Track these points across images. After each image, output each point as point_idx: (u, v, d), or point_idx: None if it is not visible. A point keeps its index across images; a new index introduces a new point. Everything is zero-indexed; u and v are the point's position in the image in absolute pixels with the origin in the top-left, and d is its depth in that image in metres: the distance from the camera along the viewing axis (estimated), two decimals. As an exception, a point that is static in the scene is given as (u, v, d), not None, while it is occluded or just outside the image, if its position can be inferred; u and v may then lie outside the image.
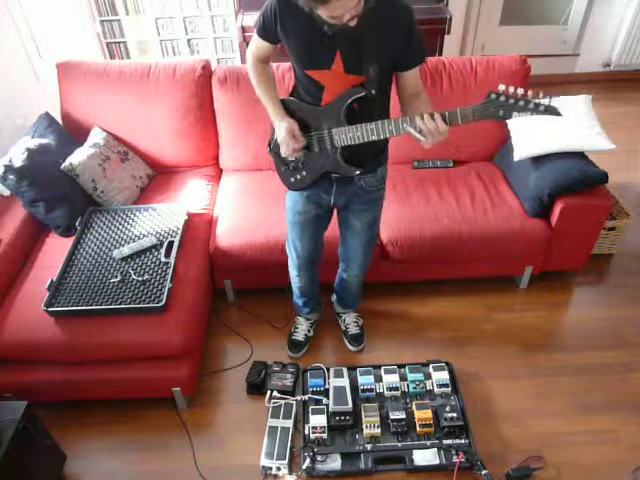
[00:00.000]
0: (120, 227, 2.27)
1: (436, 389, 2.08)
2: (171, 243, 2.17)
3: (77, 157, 2.32)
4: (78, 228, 2.24)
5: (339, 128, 1.60)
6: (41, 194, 2.19)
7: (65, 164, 2.29)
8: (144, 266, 2.09)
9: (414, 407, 2.00)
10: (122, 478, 1.93)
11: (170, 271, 2.05)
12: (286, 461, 1.88)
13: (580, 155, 2.36)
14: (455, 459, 1.87)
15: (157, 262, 2.10)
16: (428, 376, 2.13)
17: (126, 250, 2.13)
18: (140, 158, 2.62)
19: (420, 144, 1.50)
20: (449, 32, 3.48)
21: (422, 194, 2.48)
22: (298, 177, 1.78)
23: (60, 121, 2.58)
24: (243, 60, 3.71)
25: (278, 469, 1.88)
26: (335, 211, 1.96)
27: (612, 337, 2.36)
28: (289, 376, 2.15)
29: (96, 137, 2.48)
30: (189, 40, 3.85)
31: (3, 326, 1.91)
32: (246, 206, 2.46)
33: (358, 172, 1.68)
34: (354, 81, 1.54)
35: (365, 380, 2.10)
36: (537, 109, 1.32)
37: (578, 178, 2.26)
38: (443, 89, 2.57)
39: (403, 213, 2.38)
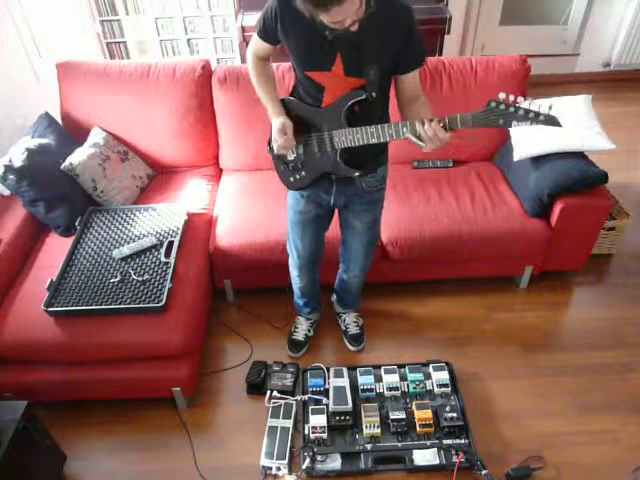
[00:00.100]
0: (120, 227, 2.27)
1: (436, 389, 2.08)
2: (171, 243, 2.17)
3: (77, 157, 2.32)
4: (78, 228, 2.24)
5: (339, 130, 1.60)
6: (41, 194, 2.19)
7: (65, 164, 2.29)
8: (144, 266, 2.08)
9: (414, 407, 2.00)
10: (122, 478, 1.93)
11: (170, 271, 2.05)
12: (286, 461, 1.88)
13: (580, 155, 2.36)
14: (455, 459, 1.87)
15: (157, 262, 2.10)
16: (428, 376, 2.13)
17: (126, 250, 2.13)
18: (140, 158, 2.63)
19: (420, 149, 1.49)
20: (449, 32, 3.48)
21: (422, 194, 2.48)
22: (297, 177, 1.78)
23: (60, 121, 2.58)
24: (243, 60, 3.71)
25: (278, 469, 1.88)
26: (336, 211, 1.96)
27: (612, 337, 2.36)
28: (289, 376, 2.15)
29: (96, 137, 2.48)
30: (189, 40, 3.85)
31: (3, 326, 1.91)
32: (246, 206, 2.46)
33: (358, 174, 1.68)
34: (354, 83, 1.54)
35: (365, 380, 2.10)
36: (537, 119, 1.32)
37: (578, 178, 2.26)
38: (443, 89, 2.57)
39: (403, 213, 2.38)
